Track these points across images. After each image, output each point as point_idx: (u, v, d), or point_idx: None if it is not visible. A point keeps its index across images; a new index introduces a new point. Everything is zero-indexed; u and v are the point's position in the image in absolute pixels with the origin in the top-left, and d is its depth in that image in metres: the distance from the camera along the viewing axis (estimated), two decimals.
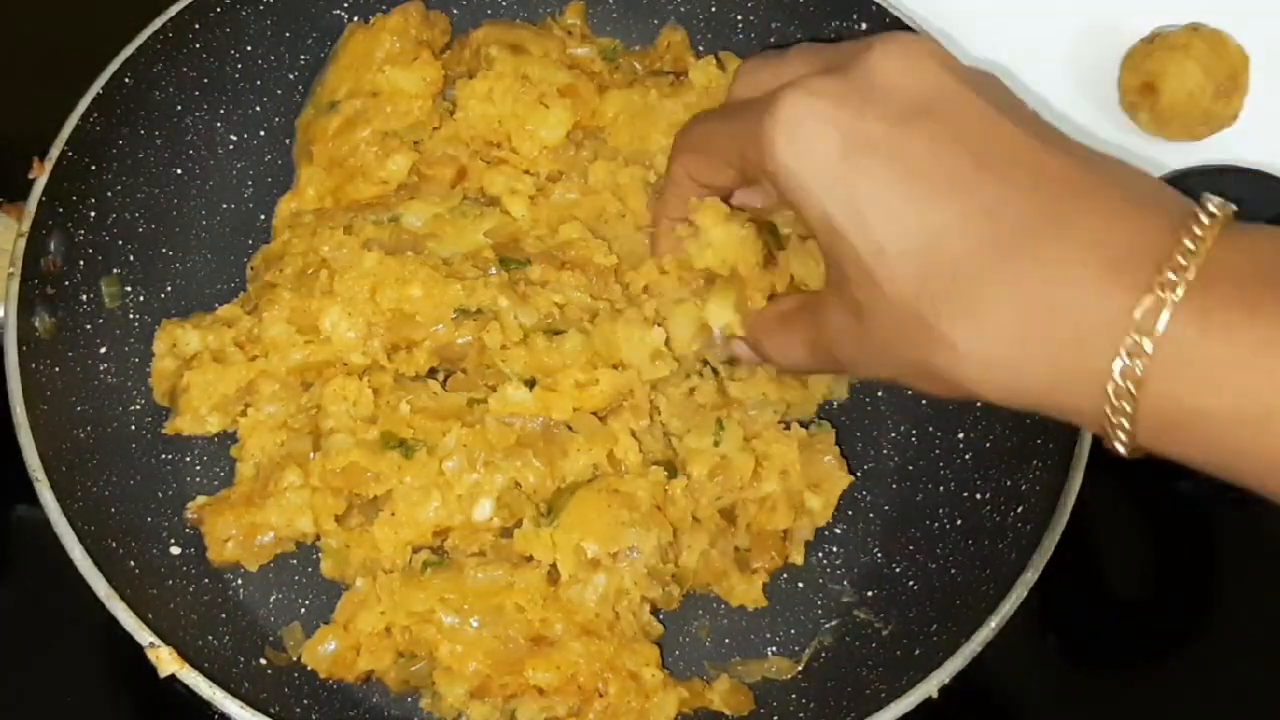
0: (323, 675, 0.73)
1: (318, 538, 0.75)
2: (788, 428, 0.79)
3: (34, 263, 0.75)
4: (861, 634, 0.77)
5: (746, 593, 0.76)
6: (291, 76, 0.90)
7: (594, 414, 0.75)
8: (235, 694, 0.65)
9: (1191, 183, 0.88)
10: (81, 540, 0.67)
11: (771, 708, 0.75)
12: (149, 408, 0.80)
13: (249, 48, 0.88)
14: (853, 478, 0.79)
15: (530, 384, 0.75)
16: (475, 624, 0.71)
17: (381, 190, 0.83)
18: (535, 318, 0.77)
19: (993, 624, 0.67)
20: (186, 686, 0.65)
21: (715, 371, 0.80)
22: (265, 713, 0.64)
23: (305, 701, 0.72)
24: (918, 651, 0.72)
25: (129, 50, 0.80)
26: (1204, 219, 0.51)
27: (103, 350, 0.80)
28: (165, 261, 0.85)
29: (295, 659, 0.74)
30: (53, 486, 0.68)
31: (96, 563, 0.66)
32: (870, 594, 0.79)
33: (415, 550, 0.74)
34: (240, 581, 0.77)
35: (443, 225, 0.80)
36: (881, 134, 0.56)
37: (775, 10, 0.90)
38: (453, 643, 0.71)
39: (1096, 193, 0.53)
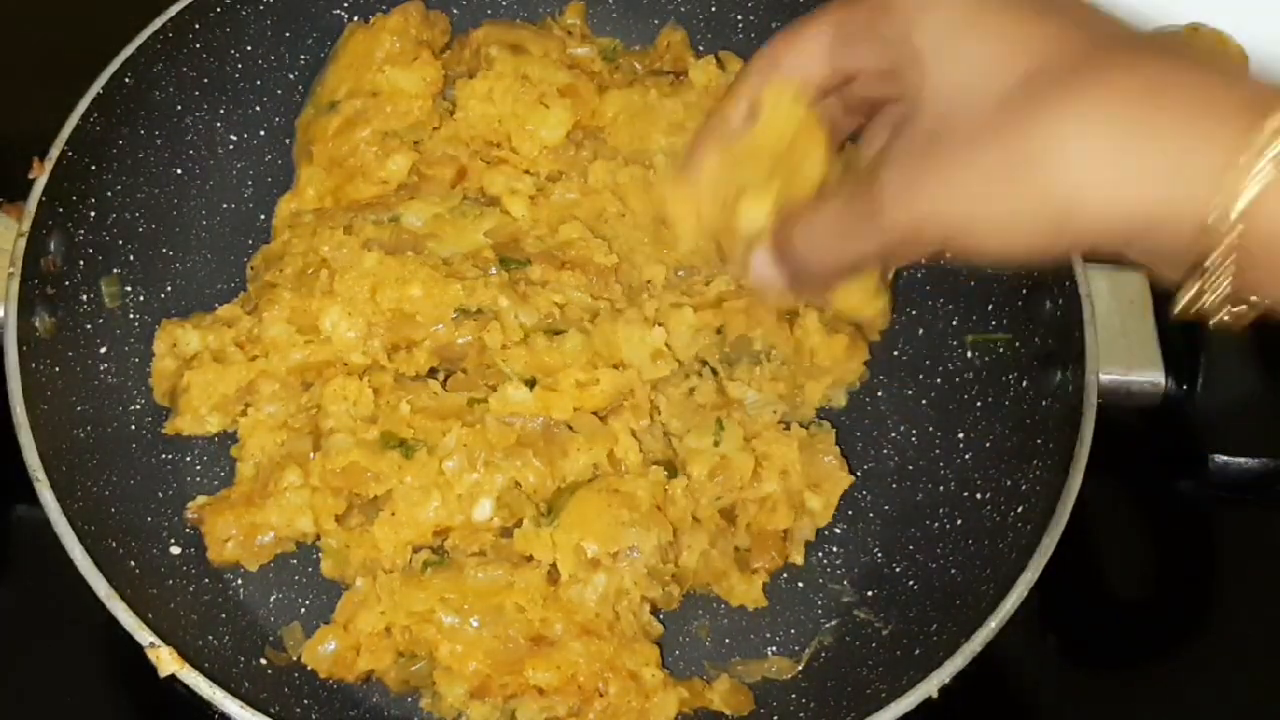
0: (323, 675, 0.73)
1: (318, 538, 0.75)
2: (788, 428, 0.79)
3: (34, 263, 0.75)
4: (861, 634, 0.77)
5: (746, 593, 0.76)
6: (291, 76, 0.90)
7: (594, 414, 0.75)
8: (235, 694, 0.64)
9: None
10: (81, 540, 0.67)
11: (771, 708, 0.75)
12: (149, 408, 0.80)
13: (249, 48, 0.88)
14: (853, 478, 0.79)
15: (530, 384, 0.75)
16: (475, 624, 0.71)
17: (381, 190, 0.83)
18: (535, 317, 0.77)
19: (993, 624, 0.67)
20: (186, 686, 0.65)
21: (715, 372, 0.80)
22: (265, 713, 0.64)
23: (305, 701, 0.72)
24: (918, 651, 0.72)
25: (129, 50, 0.80)
26: None
27: (103, 350, 0.80)
28: (165, 261, 0.85)
29: (295, 659, 0.74)
30: (53, 486, 0.68)
31: (96, 563, 0.66)
32: (870, 594, 0.79)
33: (415, 550, 0.74)
34: (240, 581, 0.77)
35: (443, 225, 0.81)
36: None
37: (775, 10, 0.90)
38: (453, 643, 0.71)
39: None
